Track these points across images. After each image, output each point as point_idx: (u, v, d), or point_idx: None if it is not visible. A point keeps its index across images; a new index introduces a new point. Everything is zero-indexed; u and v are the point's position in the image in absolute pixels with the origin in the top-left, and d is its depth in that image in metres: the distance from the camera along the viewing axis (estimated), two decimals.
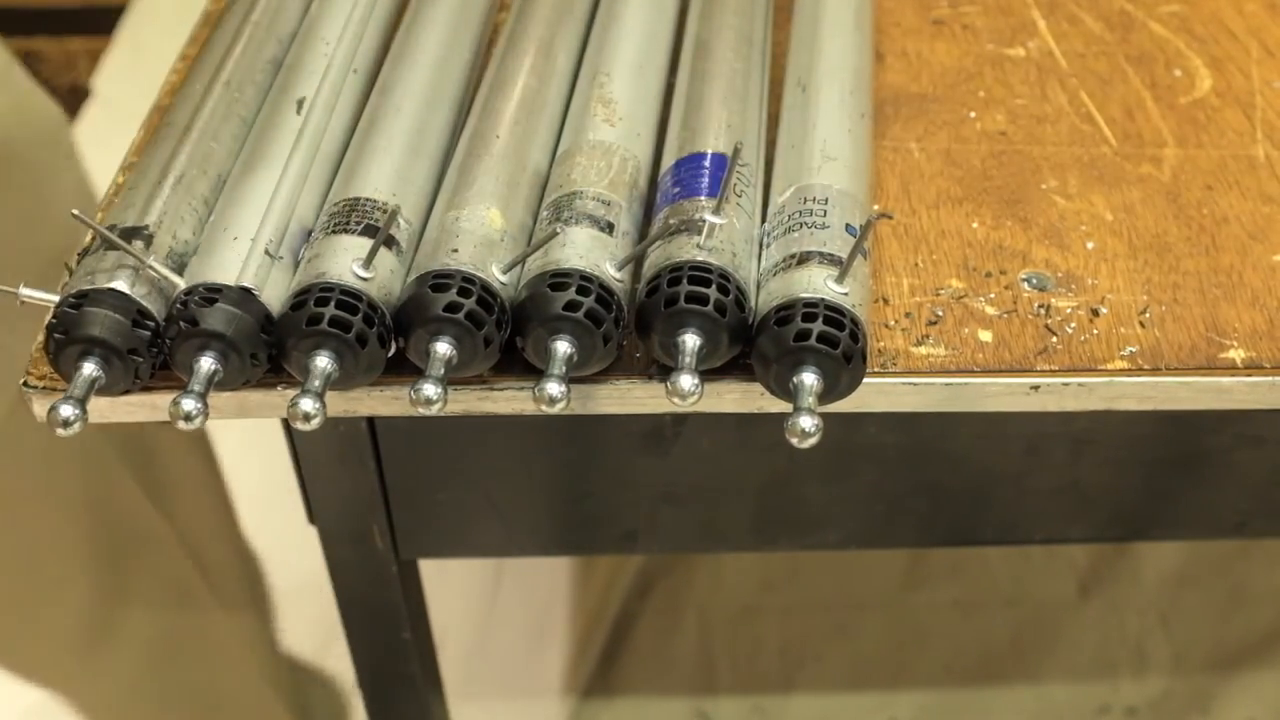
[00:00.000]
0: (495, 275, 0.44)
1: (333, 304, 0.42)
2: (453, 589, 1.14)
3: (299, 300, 0.43)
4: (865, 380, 0.45)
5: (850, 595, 1.15)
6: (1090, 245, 0.54)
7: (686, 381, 0.42)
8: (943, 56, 0.64)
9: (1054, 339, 0.49)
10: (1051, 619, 1.13)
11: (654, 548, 0.61)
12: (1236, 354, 0.49)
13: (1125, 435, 0.55)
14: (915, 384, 0.48)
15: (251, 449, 1.26)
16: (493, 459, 0.56)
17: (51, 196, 0.75)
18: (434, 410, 0.42)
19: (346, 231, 0.45)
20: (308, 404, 0.42)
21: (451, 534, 0.59)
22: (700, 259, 0.44)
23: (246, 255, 0.44)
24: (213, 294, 0.43)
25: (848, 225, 0.47)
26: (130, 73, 1.78)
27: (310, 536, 0.60)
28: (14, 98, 0.77)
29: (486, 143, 0.49)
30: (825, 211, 0.47)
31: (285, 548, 1.16)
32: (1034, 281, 0.52)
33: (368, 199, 0.46)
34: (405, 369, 0.45)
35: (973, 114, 0.61)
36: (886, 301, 0.51)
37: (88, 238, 0.48)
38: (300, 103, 0.51)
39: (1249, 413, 0.54)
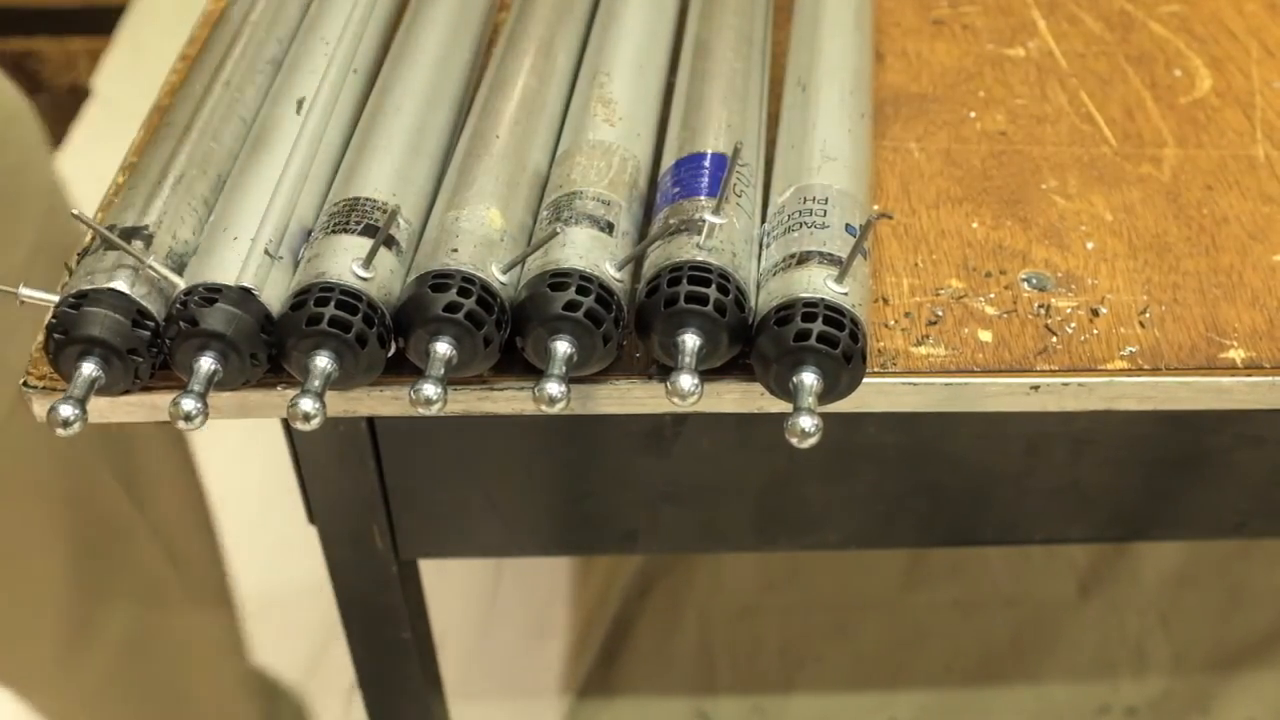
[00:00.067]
0: (495, 275, 0.44)
1: (333, 304, 0.42)
2: (453, 589, 1.14)
3: (299, 300, 0.43)
4: (865, 380, 0.45)
5: (850, 595, 1.15)
6: (1090, 245, 0.54)
7: (686, 381, 0.42)
8: (943, 56, 0.64)
9: (1054, 339, 0.49)
10: (1051, 619, 1.13)
11: (654, 548, 0.61)
12: (1236, 354, 0.49)
13: (1125, 435, 0.55)
14: (915, 384, 0.48)
15: (251, 449, 1.26)
16: (493, 459, 0.56)
17: (21, 188, 0.74)
18: (434, 410, 0.42)
19: (346, 231, 0.45)
20: (308, 404, 0.42)
21: (451, 534, 0.59)
22: (700, 259, 0.44)
23: (246, 255, 0.44)
24: (213, 294, 0.43)
25: (848, 225, 0.47)
26: (130, 73, 1.78)
27: (310, 536, 0.60)
28: None
29: (486, 143, 0.49)
30: (825, 211, 0.47)
31: (285, 548, 1.16)
32: (1034, 281, 0.52)
33: (368, 199, 0.46)
34: (405, 369, 0.45)
35: (973, 114, 0.61)
36: (886, 301, 0.51)
37: (87, 237, 0.48)
38: (300, 103, 0.51)
39: (1249, 413, 0.54)
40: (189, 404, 0.42)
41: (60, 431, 0.41)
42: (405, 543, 0.59)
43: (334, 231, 0.45)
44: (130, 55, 1.81)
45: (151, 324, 0.43)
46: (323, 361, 0.43)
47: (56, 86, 1.81)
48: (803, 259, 0.45)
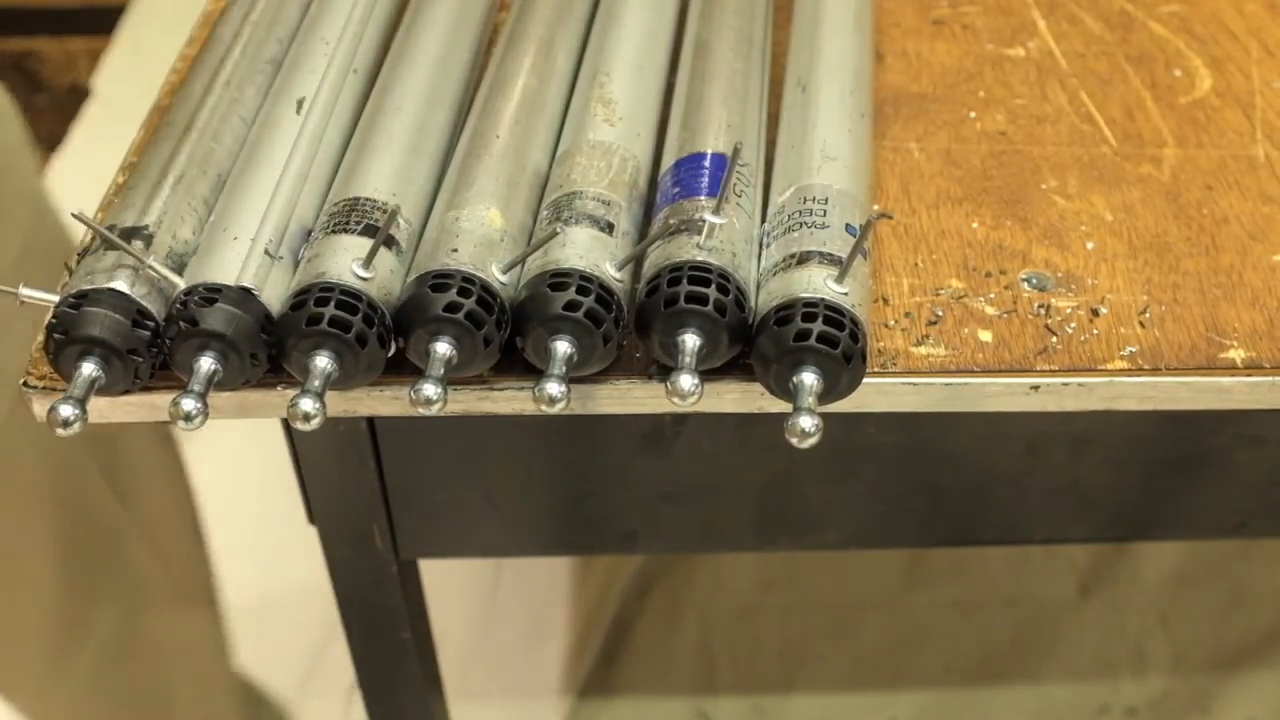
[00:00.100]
0: (495, 275, 0.44)
1: (333, 304, 0.42)
2: (452, 589, 1.14)
3: (299, 300, 0.43)
4: (865, 380, 0.45)
5: (850, 595, 1.15)
6: (1090, 245, 0.54)
7: (686, 381, 0.42)
8: (943, 56, 0.64)
9: (1054, 339, 0.49)
10: (1051, 619, 1.13)
11: (654, 548, 0.61)
12: (1236, 354, 0.49)
13: (1125, 435, 0.55)
14: (915, 384, 0.48)
15: (251, 449, 1.26)
16: (493, 459, 0.56)
17: (5, 191, 0.74)
18: (434, 410, 0.42)
19: (346, 231, 0.45)
20: (308, 404, 0.42)
21: (451, 534, 0.59)
22: (700, 259, 0.44)
23: (246, 255, 0.44)
24: (212, 294, 0.43)
25: (848, 225, 0.47)
26: (130, 73, 1.78)
27: (310, 536, 0.60)
28: None
29: (486, 143, 0.49)
30: (825, 211, 0.47)
31: (285, 548, 1.16)
32: (1034, 281, 0.52)
33: (368, 199, 0.46)
34: (405, 369, 0.45)
35: (973, 114, 0.61)
36: (886, 301, 0.51)
37: (87, 237, 0.48)
38: (300, 103, 0.51)
39: (1249, 413, 0.54)
40: (189, 404, 0.42)
41: (60, 431, 0.41)
42: (405, 543, 0.59)
43: (334, 231, 0.45)
44: (130, 55, 1.81)
45: (151, 324, 0.43)
46: (323, 361, 0.43)
47: (56, 86, 1.81)
48: (803, 259, 0.45)
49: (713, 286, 0.43)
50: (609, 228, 0.46)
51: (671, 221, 0.46)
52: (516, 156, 0.49)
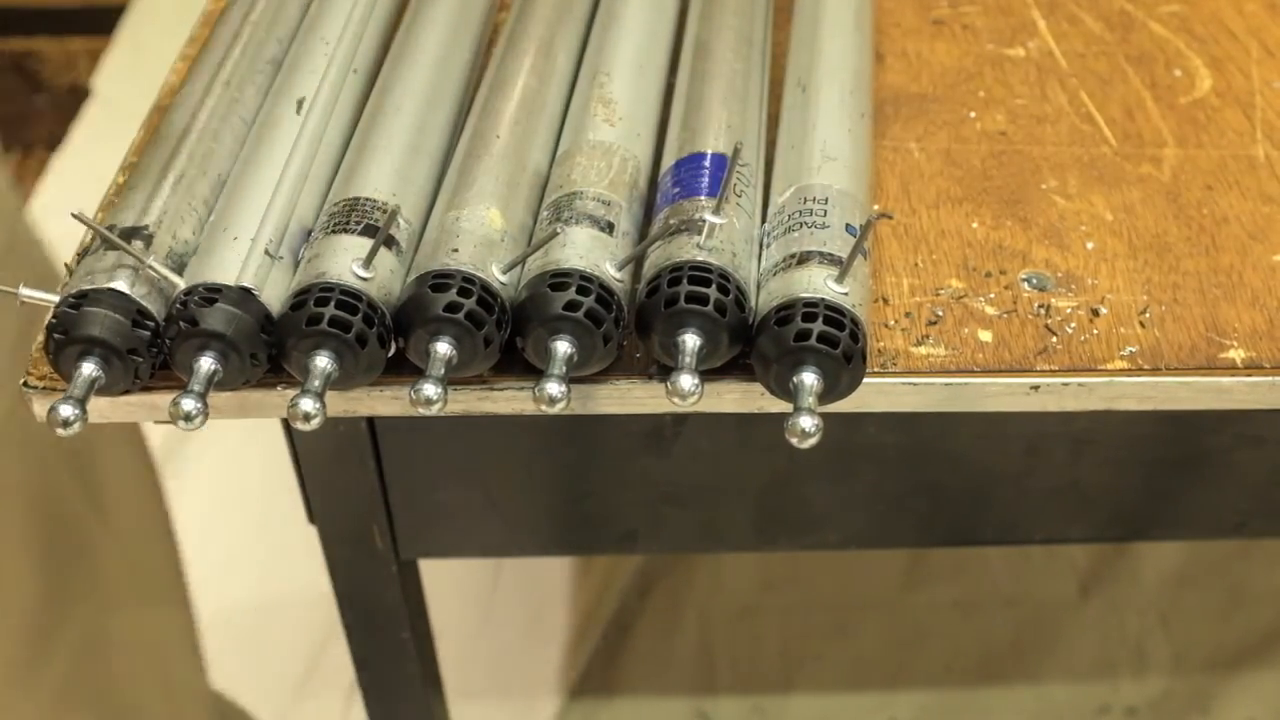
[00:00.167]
0: (495, 275, 0.44)
1: (333, 304, 0.42)
2: (451, 587, 1.14)
3: (299, 300, 0.43)
4: (865, 380, 0.45)
5: (850, 595, 1.15)
6: (1090, 245, 0.54)
7: (686, 381, 0.42)
8: (943, 56, 0.64)
9: (1054, 339, 0.49)
10: (1051, 619, 1.13)
11: (654, 548, 0.61)
12: (1236, 354, 0.49)
13: (1125, 435, 0.55)
14: (915, 384, 0.48)
15: (251, 449, 1.26)
16: (493, 459, 0.56)
17: None
18: (434, 410, 0.42)
19: (346, 231, 0.45)
20: (308, 404, 0.42)
21: (451, 534, 0.59)
22: (700, 259, 0.44)
23: (246, 255, 0.44)
24: (213, 294, 0.43)
25: (848, 225, 0.47)
26: (130, 73, 1.78)
27: (310, 537, 0.60)
28: None
29: (486, 143, 0.49)
30: (825, 211, 0.47)
31: (285, 548, 1.16)
32: (1034, 281, 0.52)
33: (368, 199, 0.46)
34: (405, 369, 0.45)
35: (973, 114, 0.61)
36: (886, 301, 0.51)
37: (87, 237, 0.48)
38: (300, 103, 0.51)
39: (1249, 413, 0.54)
40: (189, 404, 0.42)
41: (61, 431, 0.42)
42: (405, 543, 0.59)
43: (334, 231, 0.45)
44: (130, 55, 1.81)
45: (151, 324, 0.43)
46: (323, 361, 0.43)
47: (56, 86, 1.81)
48: (803, 259, 0.45)
49: (713, 286, 0.43)
50: (609, 228, 0.46)
51: (672, 221, 0.46)
52: (516, 156, 0.49)
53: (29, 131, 1.73)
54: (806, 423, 0.42)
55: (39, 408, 0.46)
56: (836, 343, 0.43)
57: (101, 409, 0.46)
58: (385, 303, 0.44)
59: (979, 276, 0.52)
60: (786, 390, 0.44)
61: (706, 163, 0.48)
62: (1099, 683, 1.09)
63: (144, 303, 0.43)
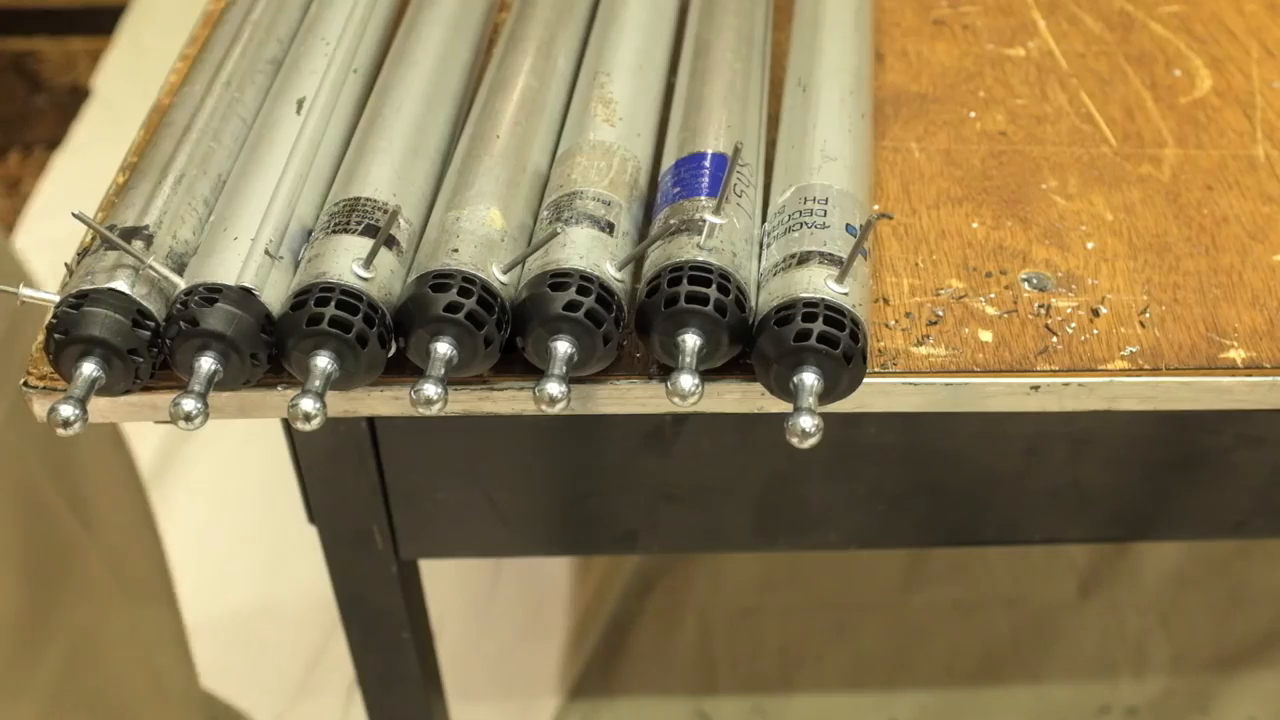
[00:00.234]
0: (495, 275, 0.44)
1: (333, 304, 0.42)
2: (451, 587, 1.14)
3: (299, 300, 0.43)
4: (865, 380, 0.45)
5: (850, 595, 1.15)
6: (1090, 245, 0.54)
7: (686, 381, 0.42)
8: (943, 56, 0.64)
9: (1054, 339, 0.49)
10: (1051, 619, 1.13)
11: (654, 548, 0.61)
12: (1236, 354, 0.49)
13: (1125, 435, 0.55)
14: (915, 384, 0.48)
15: (251, 449, 1.26)
16: (493, 459, 0.56)
17: None
18: (434, 410, 0.42)
19: (347, 231, 0.45)
20: (308, 404, 0.42)
21: (451, 534, 0.59)
22: (700, 259, 0.44)
23: (246, 255, 0.44)
24: (213, 294, 0.43)
25: (848, 225, 0.47)
26: (130, 73, 1.78)
27: (310, 536, 0.60)
28: None
29: (486, 143, 0.49)
30: (825, 211, 0.47)
31: (285, 548, 1.16)
32: (1034, 281, 0.52)
33: (368, 199, 0.46)
34: (405, 369, 0.45)
35: (973, 114, 0.61)
36: (887, 301, 0.51)
37: (87, 237, 0.48)
38: (300, 103, 0.51)
39: (1249, 413, 0.54)
40: (189, 404, 0.42)
41: (61, 431, 0.42)
42: (405, 543, 0.59)
43: (334, 232, 0.45)
44: (130, 55, 1.81)
45: (152, 324, 0.43)
46: (323, 361, 0.43)
47: (56, 86, 1.81)
48: (803, 259, 0.45)
49: (713, 286, 0.43)
50: (609, 228, 0.46)
51: (672, 221, 0.46)
52: (517, 157, 0.49)
53: (29, 131, 1.73)
54: (806, 423, 0.42)
55: (39, 408, 0.46)
56: (837, 343, 0.43)
57: (102, 409, 0.46)
58: (386, 303, 0.44)
59: (979, 276, 0.52)
60: (786, 390, 0.44)
61: (706, 163, 0.48)
62: (1099, 683, 1.09)
63: (144, 303, 0.43)
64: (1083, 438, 0.55)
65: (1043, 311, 0.50)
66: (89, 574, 0.78)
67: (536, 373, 0.44)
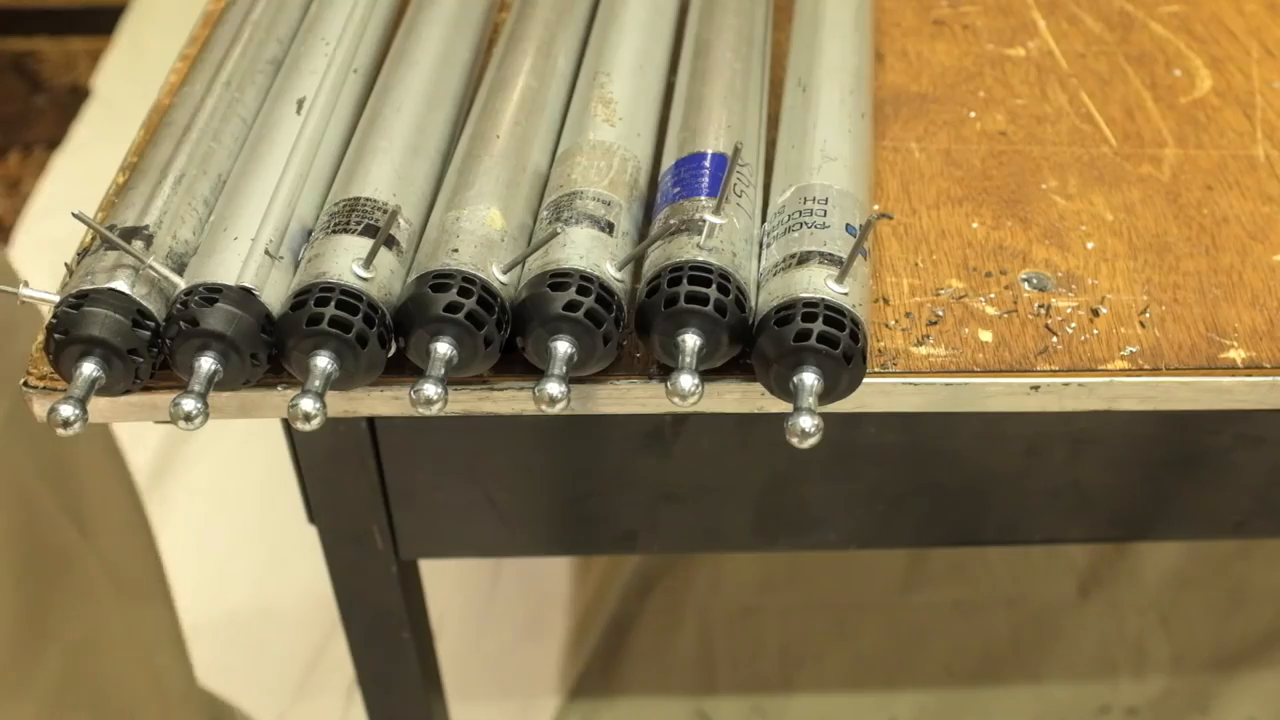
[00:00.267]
0: (495, 275, 0.44)
1: (333, 304, 0.42)
2: (451, 587, 1.14)
3: (299, 300, 0.43)
4: (865, 380, 0.45)
5: (850, 595, 1.15)
6: (1090, 245, 0.54)
7: (686, 381, 0.42)
8: (943, 56, 0.64)
9: (1054, 339, 0.49)
10: (1051, 619, 1.13)
11: (654, 548, 0.61)
12: (1236, 354, 0.49)
13: (1125, 435, 0.55)
14: (915, 384, 0.48)
15: (251, 449, 1.26)
16: (493, 459, 0.56)
17: None
18: (434, 410, 0.42)
19: (346, 231, 0.45)
20: (308, 404, 0.42)
21: (451, 534, 0.59)
22: (700, 259, 0.44)
23: (246, 255, 0.44)
24: (213, 294, 0.43)
25: (848, 225, 0.47)
26: (130, 73, 1.78)
27: (310, 536, 0.60)
28: None
29: (486, 143, 0.49)
30: (825, 211, 0.47)
31: (285, 548, 1.16)
32: (1034, 281, 0.52)
33: (368, 199, 0.46)
34: (405, 369, 0.45)
35: (973, 114, 0.61)
36: (887, 301, 0.51)
37: (87, 237, 0.48)
38: (300, 103, 0.51)
39: (1249, 413, 0.54)
40: (189, 404, 0.42)
41: (61, 431, 0.41)
42: (405, 543, 0.59)
43: (334, 231, 0.45)
44: (130, 55, 1.81)
45: (152, 324, 0.43)
46: (323, 361, 0.43)
47: (56, 86, 1.81)
48: (803, 259, 0.45)
49: (713, 286, 0.43)
50: (609, 228, 0.46)
51: (672, 221, 0.46)
52: (516, 156, 0.49)
53: (29, 131, 1.73)
54: (806, 423, 0.42)
55: (39, 408, 0.46)
56: (836, 343, 0.43)
57: (102, 409, 0.46)
58: (385, 303, 0.44)
59: (979, 276, 0.52)
60: (786, 390, 0.44)
61: (706, 163, 0.48)
62: (1099, 683, 1.09)
63: (144, 303, 0.43)
64: (1083, 438, 0.55)
65: (1043, 311, 0.50)
66: (86, 577, 0.78)
67: (536, 373, 0.44)
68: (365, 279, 0.43)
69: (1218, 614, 1.13)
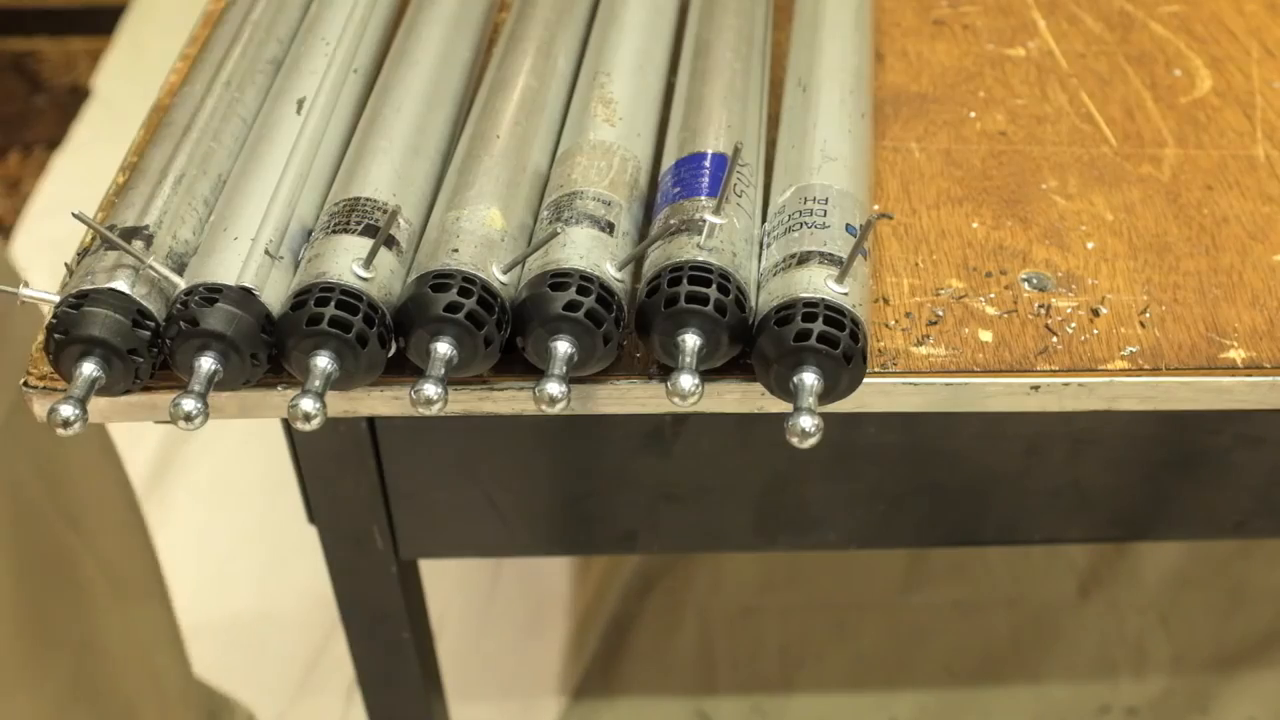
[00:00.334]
0: (495, 275, 0.44)
1: (333, 304, 0.42)
2: (450, 587, 1.14)
3: (299, 300, 0.43)
4: (865, 380, 0.45)
5: (850, 595, 1.15)
6: (1090, 245, 0.54)
7: (686, 381, 0.42)
8: (943, 56, 0.64)
9: (1054, 339, 0.49)
10: (1051, 619, 1.13)
11: (654, 548, 0.61)
12: (1236, 354, 0.49)
13: (1125, 435, 0.55)
14: (915, 384, 0.48)
15: (252, 449, 1.26)
16: (493, 459, 0.56)
17: None
18: (434, 410, 0.42)
19: (347, 231, 0.45)
20: (308, 404, 0.42)
21: (451, 534, 0.59)
22: (700, 259, 0.44)
23: (246, 255, 0.44)
24: (213, 294, 0.43)
25: (848, 225, 0.47)
26: (130, 73, 1.78)
27: (310, 536, 0.60)
28: None
29: (486, 143, 0.49)
30: (825, 211, 0.47)
31: (285, 549, 1.16)
32: (1034, 281, 0.52)
33: (368, 199, 0.46)
34: (405, 369, 0.45)
35: (973, 114, 0.61)
36: (887, 301, 0.51)
37: (87, 237, 0.48)
38: (300, 103, 0.51)
39: (1249, 413, 0.54)
40: (189, 404, 0.42)
41: (61, 432, 0.41)
42: (405, 543, 0.59)
43: (334, 231, 0.45)
44: (130, 55, 1.81)
45: (152, 324, 0.43)
46: (323, 361, 0.43)
47: (56, 86, 1.81)
48: (803, 259, 0.45)
49: (713, 286, 0.43)
50: (609, 228, 0.46)
51: (672, 221, 0.46)
52: (517, 156, 0.49)
53: (29, 131, 1.73)
54: (806, 423, 0.42)
55: (39, 408, 0.46)
56: (836, 343, 0.43)
57: (102, 409, 0.46)
58: (386, 303, 0.44)
59: (979, 276, 0.52)
60: (786, 390, 0.44)
61: (707, 163, 0.48)
62: (1099, 683, 1.09)
63: (144, 303, 0.43)
64: (1083, 438, 0.55)
65: (1043, 311, 0.50)
66: (85, 578, 0.78)
67: (536, 373, 0.44)
68: (365, 279, 0.43)
69: (1218, 614, 1.13)
